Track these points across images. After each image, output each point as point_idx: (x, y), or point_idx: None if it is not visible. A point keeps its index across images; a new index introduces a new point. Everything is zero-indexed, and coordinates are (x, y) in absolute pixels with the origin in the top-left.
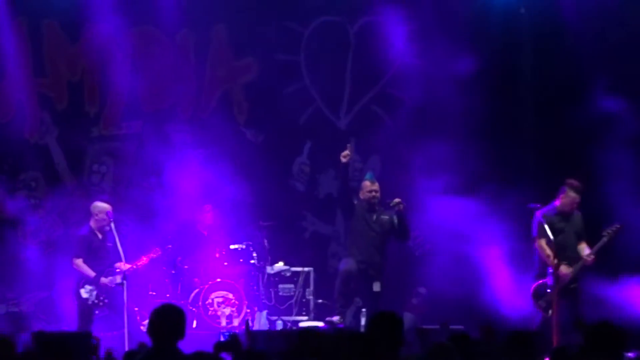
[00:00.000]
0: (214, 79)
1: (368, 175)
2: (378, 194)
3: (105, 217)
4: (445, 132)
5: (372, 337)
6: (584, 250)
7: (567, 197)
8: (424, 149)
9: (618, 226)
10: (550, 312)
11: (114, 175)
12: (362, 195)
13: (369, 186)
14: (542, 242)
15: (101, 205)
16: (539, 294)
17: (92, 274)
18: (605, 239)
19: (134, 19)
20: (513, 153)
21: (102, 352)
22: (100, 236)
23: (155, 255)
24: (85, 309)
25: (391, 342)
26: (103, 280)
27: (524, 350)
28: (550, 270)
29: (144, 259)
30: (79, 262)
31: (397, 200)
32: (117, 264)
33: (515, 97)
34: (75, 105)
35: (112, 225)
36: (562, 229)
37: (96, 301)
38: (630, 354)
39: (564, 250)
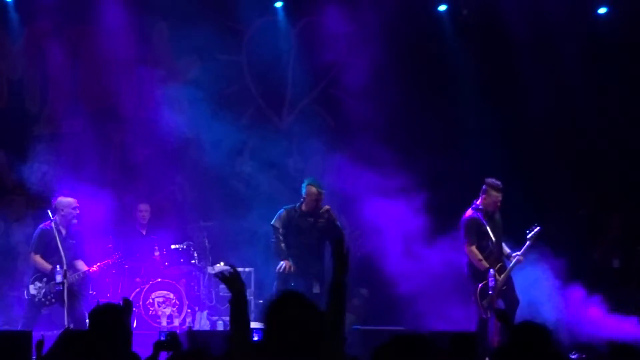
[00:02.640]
0: (155, 78)
1: (314, 181)
2: (321, 202)
3: (71, 211)
4: (387, 133)
5: None
6: (505, 249)
7: (490, 197)
8: (366, 150)
9: (538, 229)
10: (489, 313)
11: (55, 174)
12: (307, 201)
13: (316, 194)
14: (473, 247)
15: (66, 200)
16: (483, 295)
17: (48, 269)
18: (529, 242)
19: (74, 17)
20: (454, 155)
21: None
22: (64, 232)
23: (112, 261)
24: (32, 306)
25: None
26: (58, 278)
27: (466, 352)
28: (492, 272)
29: (103, 263)
30: (37, 257)
31: (325, 207)
32: (77, 263)
33: (457, 97)
34: (15, 103)
35: (53, 224)
36: (493, 230)
37: (43, 299)
38: (573, 356)
39: (498, 252)
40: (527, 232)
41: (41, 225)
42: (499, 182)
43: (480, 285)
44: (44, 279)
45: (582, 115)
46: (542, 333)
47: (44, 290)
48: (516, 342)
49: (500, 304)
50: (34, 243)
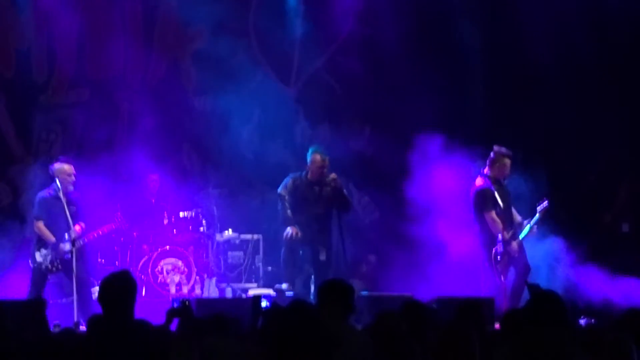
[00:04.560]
0: (163, 47)
1: (318, 149)
2: (327, 170)
3: (67, 177)
4: (393, 101)
5: (321, 305)
6: (517, 217)
7: (501, 165)
8: (373, 117)
9: (546, 203)
10: (502, 278)
11: (63, 143)
12: (312, 169)
13: (320, 161)
14: (493, 214)
15: (61, 167)
16: (496, 260)
17: (52, 238)
18: (538, 216)
19: None
20: (463, 116)
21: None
22: (64, 199)
23: (115, 226)
24: (38, 274)
25: (341, 310)
26: (62, 246)
27: (475, 318)
28: (500, 238)
29: (105, 228)
30: (40, 224)
31: (332, 176)
32: (75, 228)
33: (464, 67)
34: (22, 73)
35: (60, 193)
36: (502, 197)
37: (49, 266)
38: (581, 321)
39: (508, 219)
40: (537, 205)
41: (40, 193)
42: (507, 149)
43: (494, 249)
44: (49, 246)
45: (591, 77)
46: (559, 304)
47: (49, 257)
48: (532, 311)
49: (511, 270)
50: (36, 210)
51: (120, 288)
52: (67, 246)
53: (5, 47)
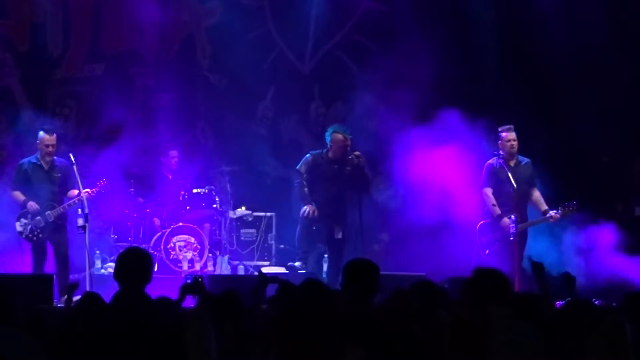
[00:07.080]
0: (178, 22)
1: (339, 128)
2: (349, 148)
3: (43, 147)
4: (410, 79)
5: (346, 284)
6: (540, 201)
7: (504, 145)
8: (388, 96)
9: (574, 206)
10: (487, 251)
11: (77, 118)
12: (334, 148)
13: (343, 140)
14: (487, 190)
15: (40, 135)
16: (482, 232)
17: (21, 197)
18: (561, 212)
19: None
20: (479, 97)
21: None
22: (45, 167)
23: (99, 188)
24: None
25: (366, 290)
26: (47, 214)
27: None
28: (513, 219)
29: (92, 190)
30: (17, 194)
31: (356, 152)
32: (70, 193)
33: (477, 43)
34: (37, 47)
35: (41, 161)
36: (508, 177)
37: (30, 235)
38: (595, 301)
39: (512, 199)
40: (564, 203)
41: (21, 160)
42: (509, 131)
43: (481, 222)
44: (29, 215)
45: (606, 57)
46: (498, 279)
47: (29, 226)
48: (471, 286)
49: (507, 256)
50: (12, 179)
51: (137, 263)
52: (79, 221)
53: (20, 20)
